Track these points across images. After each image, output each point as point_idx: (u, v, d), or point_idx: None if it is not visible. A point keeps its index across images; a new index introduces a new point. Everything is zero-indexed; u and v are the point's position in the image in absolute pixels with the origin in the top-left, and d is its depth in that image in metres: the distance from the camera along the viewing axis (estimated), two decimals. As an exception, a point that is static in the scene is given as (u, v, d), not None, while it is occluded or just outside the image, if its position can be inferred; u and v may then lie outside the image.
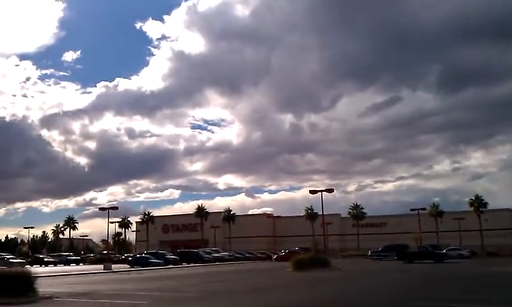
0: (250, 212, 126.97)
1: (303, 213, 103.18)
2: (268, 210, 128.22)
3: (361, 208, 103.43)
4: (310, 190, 54.08)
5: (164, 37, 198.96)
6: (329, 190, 53.16)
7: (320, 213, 55.63)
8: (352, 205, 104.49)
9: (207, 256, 67.40)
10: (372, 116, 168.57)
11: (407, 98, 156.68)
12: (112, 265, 53.50)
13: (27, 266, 45.64)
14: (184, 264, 60.45)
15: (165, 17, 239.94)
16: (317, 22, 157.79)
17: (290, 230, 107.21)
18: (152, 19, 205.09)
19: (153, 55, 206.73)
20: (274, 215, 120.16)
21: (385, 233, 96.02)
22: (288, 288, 23.64)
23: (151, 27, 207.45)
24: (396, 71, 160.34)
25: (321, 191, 51.74)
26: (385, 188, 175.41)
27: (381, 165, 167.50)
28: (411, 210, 79.02)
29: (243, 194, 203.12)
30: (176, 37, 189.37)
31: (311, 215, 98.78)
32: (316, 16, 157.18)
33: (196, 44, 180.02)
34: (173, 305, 17.24)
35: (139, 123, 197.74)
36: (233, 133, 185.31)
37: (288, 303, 16.98)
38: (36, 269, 25.69)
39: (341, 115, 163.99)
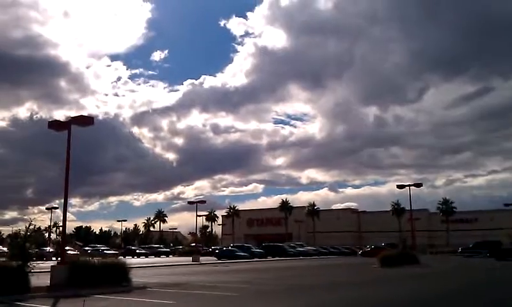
0: (334, 207, 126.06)
1: (388, 208, 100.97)
2: (352, 204, 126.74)
3: (451, 203, 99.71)
4: (397, 185, 52.88)
5: (247, 34, 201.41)
6: (418, 185, 51.68)
7: (407, 208, 54.15)
8: (442, 200, 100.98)
9: (292, 250, 67.55)
10: (461, 107, 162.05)
11: (498, 87, 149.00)
12: (200, 257, 54.82)
13: (120, 257, 47.71)
14: (269, 258, 60.93)
15: (248, 14, 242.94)
16: (401, 12, 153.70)
17: (375, 225, 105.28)
18: (236, 16, 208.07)
19: (237, 52, 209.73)
20: (359, 210, 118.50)
21: (476, 229, 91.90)
22: (375, 284, 23.22)
23: (234, 25, 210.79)
24: (486, 61, 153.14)
25: (409, 186, 50.39)
26: (476, 182, 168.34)
27: (471, 158, 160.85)
28: (505, 205, 75.23)
29: (326, 188, 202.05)
30: (259, 33, 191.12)
31: (397, 210, 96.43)
32: (400, 7, 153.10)
33: (278, 39, 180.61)
34: (261, 297, 17.42)
35: (224, 119, 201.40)
36: (315, 128, 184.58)
37: (377, 299, 16.68)
38: (129, 260, 26.81)
39: (427, 107, 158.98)
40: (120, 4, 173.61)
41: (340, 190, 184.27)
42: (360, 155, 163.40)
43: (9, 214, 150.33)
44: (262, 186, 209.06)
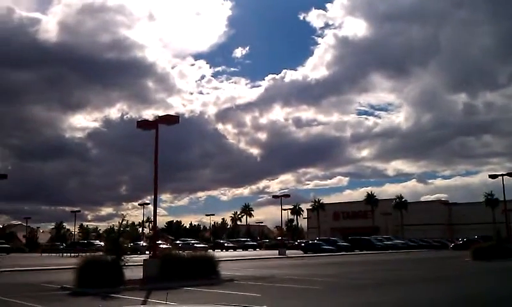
0: (422, 199, 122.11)
1: (481, 199, 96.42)
2: (442, 196, 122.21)
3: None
4: (489, 175, 50.47)
5: (327, 25, 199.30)
6: (512, 174, 49.03)
7: (501, 199, 51.56)
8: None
9: (379, 243, 66.32)
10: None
11: None
12: (287, 251, 55.12)
13: (209, 250, 48.96)
14: (356, 251, 60.22)
15: (327, 5, 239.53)
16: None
17: (467, 217, 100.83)
18: (315, 8, 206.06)
19: (317, 44, 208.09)
20: (449, 201, 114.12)
21: None
22: (467, 278, 22.38)
23: (314, 17, 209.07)
24: None
25: (502, 175, 47.96)
26: None
27: None
28: None
29: (414, 180, 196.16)
30: (339, 24, 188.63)
31: (491, 201, 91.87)
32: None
33: (359, 29, 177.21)
34: (348, 291, 17.31)
35: (306, 112, 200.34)
36: (401, 117, 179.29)
37: (470, 294, 16.07)
38: (217, 253, 27.52)
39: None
40: (201, 3, 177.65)
41: (429, 181, 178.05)
42: (449, 145, 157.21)
43: (105, 210, 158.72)
44: (347, 179, 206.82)
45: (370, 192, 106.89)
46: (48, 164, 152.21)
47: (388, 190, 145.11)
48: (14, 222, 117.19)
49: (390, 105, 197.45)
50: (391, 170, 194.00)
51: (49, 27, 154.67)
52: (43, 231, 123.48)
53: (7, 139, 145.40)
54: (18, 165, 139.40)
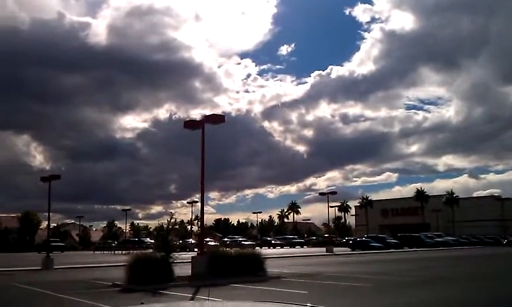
0: (475, 194, 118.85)
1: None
2: (495, 191, 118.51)
3: None
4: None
5: (373, 19, 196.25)
6: None
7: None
8: None
9: (429, 240, 65.07)
10: None
11: None
12: (334, 248, 54.84)
13: (256, 248, 49.22)
14: (405, 248, 59.27)
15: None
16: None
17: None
18: (361, 3, 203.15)
19: (363, 39, 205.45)
20: (503, 197, 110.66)
21: None
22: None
23: (360, 12, 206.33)
24: None
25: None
26: None
27: None
28: None
29: (466, 175, 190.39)
30: (386, 17, 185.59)
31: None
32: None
33: (406, 22, 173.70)
34: (395, 289, 17.11)
35: (353, 108, 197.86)
36: (451, 111, 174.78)
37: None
38: (265, 251, 27.67)
39: None
40: (246, 2, 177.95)
41: (481, 176, 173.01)
42: (501, 138, 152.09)
43: (155, 209, 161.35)
44: (395, 175, 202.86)
45: (420, 188, 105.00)
46: (100, 164, 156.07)
47: (439, 186, 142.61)
48: (67, 221, 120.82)
49: (439, 99, 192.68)
50: (441, 165, 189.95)
51: (99, 31, 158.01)
52: (95, 230, 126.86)
53: (60, 140, 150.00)
54: (71, 166, 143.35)
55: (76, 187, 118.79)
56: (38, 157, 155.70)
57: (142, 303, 3.39)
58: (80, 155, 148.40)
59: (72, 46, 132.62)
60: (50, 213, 38.70)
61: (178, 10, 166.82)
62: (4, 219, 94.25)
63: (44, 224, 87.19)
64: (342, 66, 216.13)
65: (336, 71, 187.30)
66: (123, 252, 50.49)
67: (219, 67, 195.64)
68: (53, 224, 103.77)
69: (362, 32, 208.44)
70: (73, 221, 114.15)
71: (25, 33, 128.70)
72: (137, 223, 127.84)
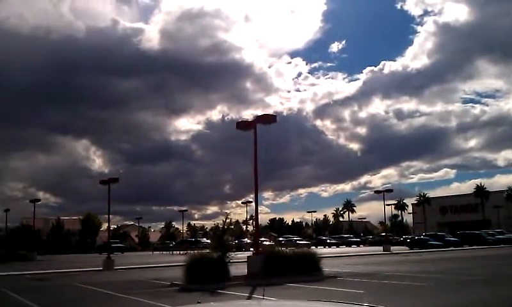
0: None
1: None
2: None
3: None
4: None
5: (426, 12, 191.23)
6: None
7: None
8: None
9: (490, 238, 62.99)
10: None
11: None
12: (391, 247, 54.01)
13: (312, 247, 49.07)
14: (465, 246, 57.64)
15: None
16: None
17: None
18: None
19: (416, 32, 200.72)
20: None
21: None
22: None
23: (412, 5, 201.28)
24: None
25: None
26: None
27: None
28: None
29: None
30: (439, 10, 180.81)
31: None
32: None
33: (461, 13, 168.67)
34: (455, 288, 16.69)
35: (407, 103, 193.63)
36: (510, 104, 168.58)
37: None
38: (320, 250, 27.62)
39: None
40: (296, 1, 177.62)
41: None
42: None
43: (211, 209, 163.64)
44: (453, 171, 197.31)
45: (479, 184, 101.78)
46: (157, 166, 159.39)
47: (500, 182, 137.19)
48: (127, 222, 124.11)
49: (497, 91, 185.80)
50: (501, 160, 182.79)
51: (151, 36, 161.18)
52: (154, 231, 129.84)
53: (118, 144, 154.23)
54: (129, 168, 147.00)
55: (134, 189, 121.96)
56: (97, 161, 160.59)
57: (199, 302, 3.49)
58: (137, 158, 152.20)
59: (126, 52, 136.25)
60: (110, 215, 39.99)
61: (227, 12, 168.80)
62: (67, 221, 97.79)
63: (104, 226, 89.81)
64: (394, 61, 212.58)
65: (389, 66, 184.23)
66: (181, 252, 51.44)
67: (269, 67, 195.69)
68: (113, 226, 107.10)
69: (415, 26, 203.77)
70: (132, 223, 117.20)
71: (81, 41, 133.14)
72: (194, 224, 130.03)
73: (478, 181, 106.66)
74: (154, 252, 70.63)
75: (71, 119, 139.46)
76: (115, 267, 31.64)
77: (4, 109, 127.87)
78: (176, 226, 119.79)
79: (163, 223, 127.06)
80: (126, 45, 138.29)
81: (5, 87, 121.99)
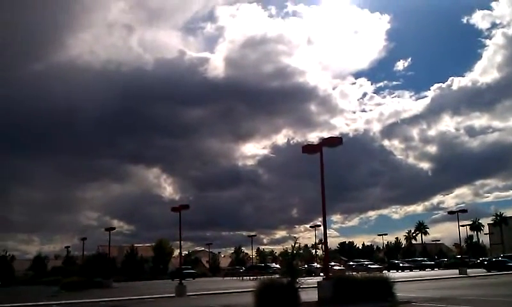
0: None
1: None
2: None
3: None
4: None
5: (494, 25, 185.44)
6: None
7: None
8: None
9: None
10: None
11: None
12: (468, 270, 51.99)
13: (383, 271, 47.98)
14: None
15: (493, 4, 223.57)
16: None
17: None
18: (479, 10, 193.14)
19: (485, 46, 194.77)
20: None
21: None
22: None
23: (479, 18, 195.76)
24: None
25: None
26: None
27: None
28: None
29: None
30: (508, 22, 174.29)
31: None
32: None
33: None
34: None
35: (479, 119, 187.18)
36: None
37: None
38: (393, 274, 26.95)
39: None
40: (358, 21, 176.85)
41: None
42: None
43: (279, 233, 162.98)
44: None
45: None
46: (225, 192, 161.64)
47: None
48: (197, 248, 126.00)
49: None
50: None
51: (217, 64, 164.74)
52: (224, 256, 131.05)
53: (187, 171, 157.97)
54: (198, 195, 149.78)
55: (204, 215, 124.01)
56: (168, 189, 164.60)
57: None
58: (206, 184, 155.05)
59: (193, 81, 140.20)
60: (182, 242, 40.70)
61: (290, 37, 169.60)
62: (140, 248, 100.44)
63: (176, 252, 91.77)
64: (463, 76, 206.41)
65: (457, 82, 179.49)
66: (251, 277, 51.54)
67: (333, 88, 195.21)
68: (184, 252, 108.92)
69: (483, 40, 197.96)
70: (202, 248, 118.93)
71: (150, 72, 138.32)
72: (263, 248, 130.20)
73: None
74: (225, 278, 71.17)
75: (142, 149, 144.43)
76: (187, 293, 32.11)
77: (79, 142, 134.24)
78: (245, 251, 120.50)
79: (233, 248, 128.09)
80: (193, 74, 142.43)
81: (80, 121, 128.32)
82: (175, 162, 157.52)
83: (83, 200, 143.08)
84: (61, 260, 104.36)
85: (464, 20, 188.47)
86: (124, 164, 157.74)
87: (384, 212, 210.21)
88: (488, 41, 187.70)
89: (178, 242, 40.65)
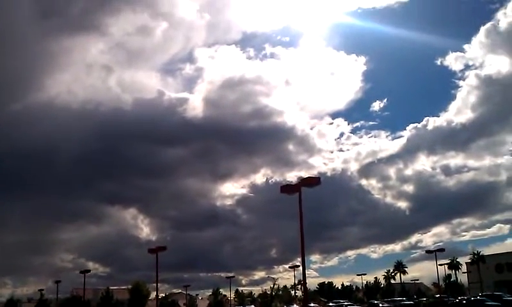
0: None
1: None
2: None
3: None
4: None
5: (467, 67, 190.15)
6: None
7: None
8: None
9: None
10: None
11: None
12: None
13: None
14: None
15: (465, 46, 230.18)
16: None
17: None
18: (452, 52, 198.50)
19: (458, 87, 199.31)
20: None
21: None
22: None
23: (452, 60, 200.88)
24: None
25: None
26: None
27: None
28: None
29: None
30: (480, 63, 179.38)
31: None
32: None
33: (502, 66, 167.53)
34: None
35: (454, 159, 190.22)
36: None
37: None
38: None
39: None
40: (335, 63, 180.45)
41: None
42: None
43: (258, 274, 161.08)
44: (507, 226, 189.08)
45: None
46: (203, 232, 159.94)
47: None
48: (175, 290, 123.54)
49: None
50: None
51: (196, 105, 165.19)
52: (201, 298, 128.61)
53: (165, 211, 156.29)
54: (176, 236, 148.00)
55: (181, 256, 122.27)
56: (145, 229, 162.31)
57: None
58: (184, 225, 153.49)
59: (172, 121, 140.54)
60: (158, 284, 40.06)
61: (268, 78, 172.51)
62: (116, 291, 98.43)
63: (153, 294, 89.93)
64: (438, 116, 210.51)
65: (433, 122, 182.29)
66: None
67: (311, 128, 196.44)
68: (161, 294, 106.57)
69: (457, 81, 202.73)
70: (180, 290, 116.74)
71: (129, 112, 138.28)
72: (242, 290, 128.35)
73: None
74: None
75: (120, 189, 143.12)
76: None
77: (56, 182, 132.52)
78: (224, 293, 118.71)
79: (211, 290, 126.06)
80: (172, 114, 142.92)
81: (57, 161, 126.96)
82: (152, 202, 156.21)
83: (58, 242, 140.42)
84: (34, 303, 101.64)
85: (438, 62, 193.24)
86: (101, 205, 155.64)
87: (363, 251, 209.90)
88: (461, 82, 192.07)
89: (155, 284, 40.03)
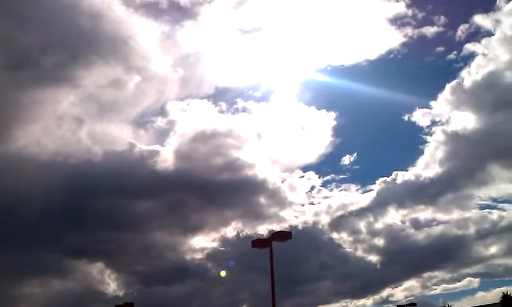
0: None
1: None
2: None
3: None
4: None
5: (434, 123, 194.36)
6: None
7: None
8: None
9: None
10: None
11: None
12: None
13: None
14: None
15: (431, 103, 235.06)
16: None
17: None
18: (419, 108, 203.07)
19: (426, 142, 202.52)
20: None
21: None
22: None
23: (419, 116, 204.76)
24: None
25: None
26: None
27: None
28: None
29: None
30: (446, 119, 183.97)
31: None
32: None
33: (468, 122, 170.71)
34: None
35: (424, 212, 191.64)
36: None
37: None
38: None
39: None
40: (306, 118, 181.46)
41: None
42: None
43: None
44: (477, 280, 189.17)
45: (505, 293, 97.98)
46: (172, 287, 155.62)
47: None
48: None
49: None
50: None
51: (167, 157, 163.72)
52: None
53: (132, 266, 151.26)
54: (144, 291, 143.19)
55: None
56: (112, 284, 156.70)
57: None
58: (152, 280, 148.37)
59: (143, 173, 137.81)
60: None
61: (239, 131, 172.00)
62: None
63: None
64: (406, 170, 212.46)
65: (401, 176, 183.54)
66: None
67: (282, 182, 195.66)
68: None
69: (424, 136, 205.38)
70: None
71: (99, 165, 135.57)
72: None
73: (503, 289, 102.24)
74: None
75: (86, 242, 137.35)
76: None
77: (20, 235, 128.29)
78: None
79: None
80: (142, 166, 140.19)
81: (22, 214, 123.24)
82: (120, 256, 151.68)
83: (20, 297, 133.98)
84: None
85: (406, 118, 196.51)
86: (67, 259, 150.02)
87: (335, 306, 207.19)
88: (428, 138, 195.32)
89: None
